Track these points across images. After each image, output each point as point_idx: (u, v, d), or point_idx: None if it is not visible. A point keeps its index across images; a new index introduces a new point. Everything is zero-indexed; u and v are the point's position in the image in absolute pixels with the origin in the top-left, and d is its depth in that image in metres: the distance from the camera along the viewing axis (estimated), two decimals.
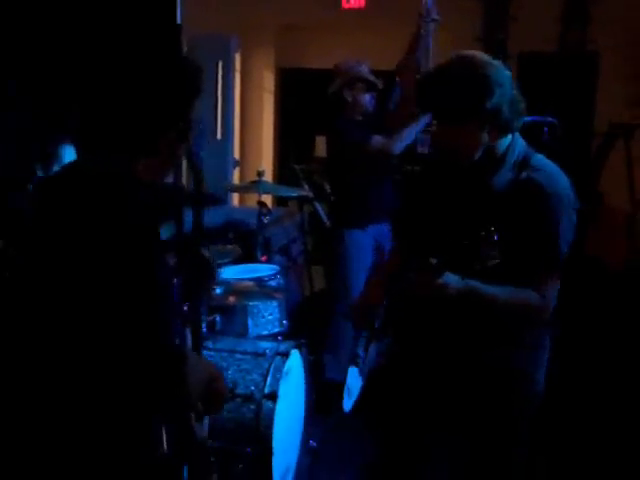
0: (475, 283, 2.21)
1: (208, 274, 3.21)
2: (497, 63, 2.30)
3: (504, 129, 2.31)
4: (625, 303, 4.45)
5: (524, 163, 2.31)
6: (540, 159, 2.35)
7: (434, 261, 2.15)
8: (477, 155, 2.32)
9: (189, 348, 2.30)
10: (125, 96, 1.79)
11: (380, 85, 4.24)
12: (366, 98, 4.21)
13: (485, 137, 2.29)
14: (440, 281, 2.17)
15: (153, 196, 1.89)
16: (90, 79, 1.83)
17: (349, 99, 4.21)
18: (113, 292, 1.67)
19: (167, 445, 1.80)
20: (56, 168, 3.56)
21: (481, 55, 2.32)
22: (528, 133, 2.45)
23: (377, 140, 4.07)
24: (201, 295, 3.09)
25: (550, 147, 2.63)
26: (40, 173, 3.66)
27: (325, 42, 7.32)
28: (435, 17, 4.01)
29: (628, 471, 3.46)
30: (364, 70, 4.23)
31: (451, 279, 2.18)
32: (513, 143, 2.34)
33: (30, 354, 1.73)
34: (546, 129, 2.78)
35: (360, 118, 4.22)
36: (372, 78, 4.22)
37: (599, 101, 6.24)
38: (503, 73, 2.28)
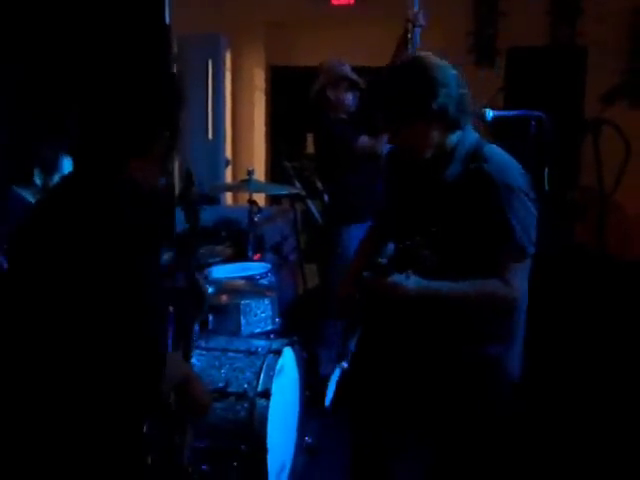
0: (425, 282, 2.23)
1: (200, 302, 3.18)
2: (443, 64, 2.35)
3: (452, 126, 2.35)
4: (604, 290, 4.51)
5: (475, 155, 2.35)
6: (491, 149, 2.37)
7: (383, 261, 2.18)
8: (429, 152, 2.36)
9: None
10: (120, 97, 1.81)
11: (362, 84, 4.25)
12: (349, 97, 4.23)
13: (435, 135, 2.34)
14: (389, 281, 2.20)
15: (150, 198, 1.91)
16: (86, 82, 1.85)
17: (332, 98, 4.22)
18: (102, 290, 1.68)
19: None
20: (55, 175, 3.59)
21: (429, 57, 2.37)
22: (515, 127, 2.46)
23: (364, 141, 4.10)
24: (194, 321, 3.06)
25: (538, 141, 2.64)
26: (38, 179, 3.67)
27: (315, 39, 7.33)
28: (422, 23, 4.04)
29: (614, 471, 3.45)
30: (347, 69, 4.25)
31: (399, 279, 2.21)
32: (463, 138, 2.38)
33: (18, 348, 1.74)
34: (533, 123, 2.78)
35: (344, 117, 4.24)
36: (355, 77, 4.24)
37: (588, 95, 6.25)
38: (449, 73, 2.33)
